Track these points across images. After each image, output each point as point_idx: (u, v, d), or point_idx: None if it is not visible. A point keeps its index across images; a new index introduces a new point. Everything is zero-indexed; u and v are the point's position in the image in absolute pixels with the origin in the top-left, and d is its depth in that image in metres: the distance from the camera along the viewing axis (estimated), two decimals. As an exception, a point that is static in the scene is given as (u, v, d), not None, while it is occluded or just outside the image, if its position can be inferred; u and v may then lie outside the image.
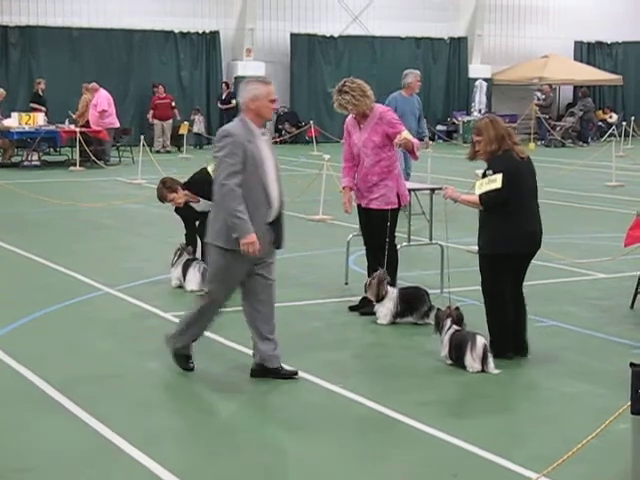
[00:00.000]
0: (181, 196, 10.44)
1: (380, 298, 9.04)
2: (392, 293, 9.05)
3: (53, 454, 5.95)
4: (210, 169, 9.68)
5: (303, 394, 7.18)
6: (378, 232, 9.38)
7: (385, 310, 9.05)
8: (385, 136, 9.25)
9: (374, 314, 9.19)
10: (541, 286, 10.39)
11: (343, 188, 9.61)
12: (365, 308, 9.39)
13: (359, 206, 9.56)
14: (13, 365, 7.72)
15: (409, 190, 10.33)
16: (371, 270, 9.52)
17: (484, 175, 7.80)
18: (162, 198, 10.60)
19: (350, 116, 9.50)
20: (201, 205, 10.27)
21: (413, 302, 9.07)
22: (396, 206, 9.34)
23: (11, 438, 6.20)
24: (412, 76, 16.44)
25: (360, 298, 9.56)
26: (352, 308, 9.57)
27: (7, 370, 7.64)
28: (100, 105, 24.86)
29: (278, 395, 7.12)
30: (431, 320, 8.81)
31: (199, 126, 29.59)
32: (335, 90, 9.35)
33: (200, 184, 10.00)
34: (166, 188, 10.50)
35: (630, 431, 5.12)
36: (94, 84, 25.39)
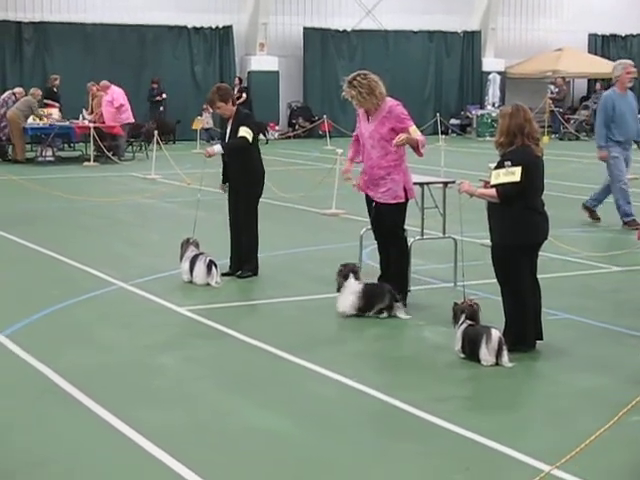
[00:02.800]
0: (229, 108, 10.59)
1: (338, 288, 9.19)
2: (356, 287, 9.11)
3: (67, 448, 5.98)
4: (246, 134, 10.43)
5: (316, 387, 7.18)
6: (386, 226, 9.41)
7: (348, 302, 9.13)
8: (392, 130, 9.22)
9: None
10: (555, 279, 10.36)
11: (348, 159, 9.82)
12: None
13: (367, 197, 9.55)
14: (27, 359, 7.75)
15: (422, 184, 10.34)
16: (383, 264, 9.55)
17: (500, 165, 7.75)
18: (211, 103, 10.74)
19: None
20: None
21: (373, 298, 9.11)
22: (402, 200, 9.34)
23: (25, 432, 6.23)
24: (620, 68, 14.00)
25: None
26: None
27: (22, 364, 7.67)
28: (117, 100, 24.81)
29: (291, 389, 7.13)
30: (395, 315, 9.02)
31: (208, 120, 29.63)
32: (346, 80, 9.35)
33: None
34: (219, 95, 10.60)
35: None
36: (105, 82, 25.26)
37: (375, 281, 9.46)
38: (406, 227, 10.57)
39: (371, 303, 9.08)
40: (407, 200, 9.41)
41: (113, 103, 24.75)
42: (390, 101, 9.34)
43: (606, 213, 16.11)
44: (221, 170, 10.97)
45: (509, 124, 7.70)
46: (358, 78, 9.26)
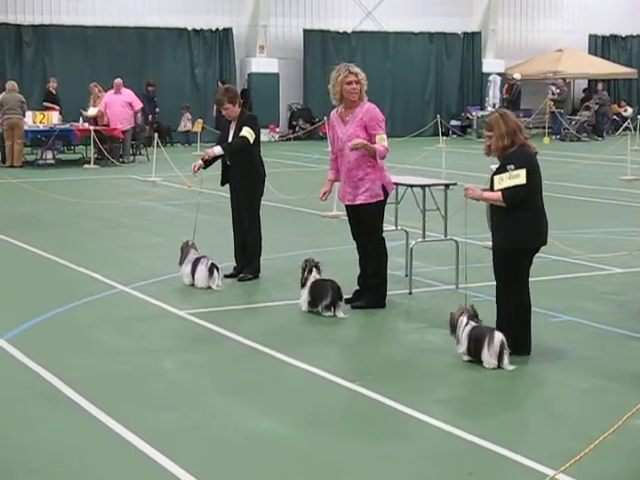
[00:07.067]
0: (235, 110, 10.65)
1: (302, 284, 9.35)
2: (309, 282, 9.27)
3: (66, 452, 5.95)
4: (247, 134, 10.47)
5: (316, 391, 7.15)
6: (366, 227, 9.42)
7: (302, 298, 9.35)
8: (365, 132, 9.25)
9: (363, 307, 9.41)
10: (556, 281, 10.33)
11: (328, 180, 9.76)
12: (356, 302, 9.47)
13: (346, 205, 9.56)
14: (28, 363, 7.72)
15: (424, 186, 10.32)
16: (362, 264, 9.61)
17: (502, 169, 7.72)
18: (220, 103, 10.78)
19: (334, 111, 9.53)
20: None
21: (318, 294, 9.23)
22: (382, 198, 9.37)
23: (24, 436, 6.20)
24: None
25: (354, 291, 9.59)
26: (346, 300, 9.53)
27: (22, 368, 7.64)
28: (138, 103, 24.81)
29: (291, 393, 7.09)
30: (339, 314, 9.12)
31: (186, 123, 29.80)
32: (350, 71, 9.25)
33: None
34: (228, 97, 10.66)
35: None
36: (119, 80, 24.88)
37: (327, 278, 9.46)
38: (408, 230, 10.56)
39: (316, 299, 9.21)
40: (386, 197, 9.43)
41: (132, 105, 24.65)
42: (368, 104, 9.38)
43: (606, 215, 16.09)
44: (220, 171, 10.97)
45: (506, 127, 7.69)
46: (363, 74, 9.33)
